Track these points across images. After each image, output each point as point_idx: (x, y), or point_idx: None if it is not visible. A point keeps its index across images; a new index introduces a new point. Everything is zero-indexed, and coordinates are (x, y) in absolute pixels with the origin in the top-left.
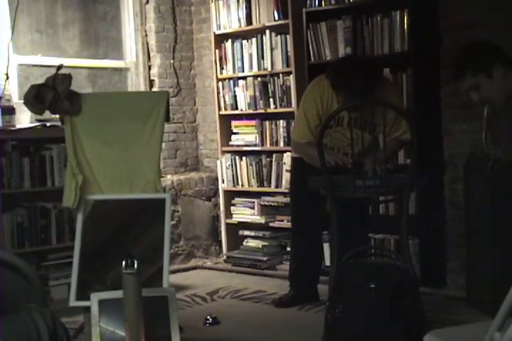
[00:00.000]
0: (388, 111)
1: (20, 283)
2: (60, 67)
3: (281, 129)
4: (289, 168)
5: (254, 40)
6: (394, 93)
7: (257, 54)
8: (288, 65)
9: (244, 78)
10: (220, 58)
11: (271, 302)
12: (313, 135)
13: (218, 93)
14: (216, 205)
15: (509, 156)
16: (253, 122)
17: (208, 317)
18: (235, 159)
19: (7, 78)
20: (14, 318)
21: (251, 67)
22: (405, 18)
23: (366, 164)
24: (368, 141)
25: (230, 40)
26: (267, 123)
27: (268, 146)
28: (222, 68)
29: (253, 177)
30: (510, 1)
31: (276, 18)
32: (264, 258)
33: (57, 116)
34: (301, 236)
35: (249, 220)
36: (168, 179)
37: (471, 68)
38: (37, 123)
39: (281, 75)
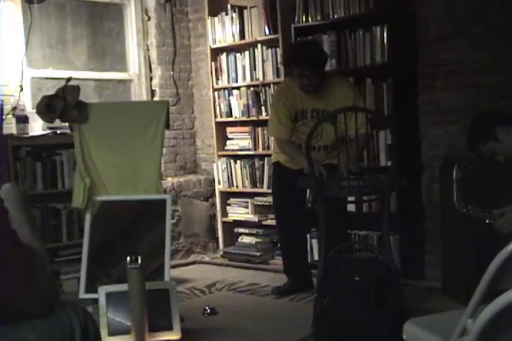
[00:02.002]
0: (341, 101)
1: None
2: (69, 79)
3: None
4: None
5: (247, 53)
6: (350, 86)
7: (250, 66)
8: (278, 76)
9: (238, 88)
10: (216, 70)
11: (270, 292)
12: (287, 129)
13: (214, 102)
14: (213, 205)
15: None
16: (246, 128)
17: (207, 308)
18: (230, 162)
19: (21, 90)
20: (51, 315)
21: (244, 78)
22: (385, 32)
23: (340, 165)
24: (328, 130)
25: (224, 53)
26: (259, 129)
27: (260, 151)
28: (217, 79)
29: (247, 179)
30: (481, 16)
31: (267, 33)
32: (258, 254)
33: (67, 124)
34: (285, 234)
35: (243, 219)
36: (169, 181)
37: (480, 139)
38: (48, 131)
39: (272, 85)
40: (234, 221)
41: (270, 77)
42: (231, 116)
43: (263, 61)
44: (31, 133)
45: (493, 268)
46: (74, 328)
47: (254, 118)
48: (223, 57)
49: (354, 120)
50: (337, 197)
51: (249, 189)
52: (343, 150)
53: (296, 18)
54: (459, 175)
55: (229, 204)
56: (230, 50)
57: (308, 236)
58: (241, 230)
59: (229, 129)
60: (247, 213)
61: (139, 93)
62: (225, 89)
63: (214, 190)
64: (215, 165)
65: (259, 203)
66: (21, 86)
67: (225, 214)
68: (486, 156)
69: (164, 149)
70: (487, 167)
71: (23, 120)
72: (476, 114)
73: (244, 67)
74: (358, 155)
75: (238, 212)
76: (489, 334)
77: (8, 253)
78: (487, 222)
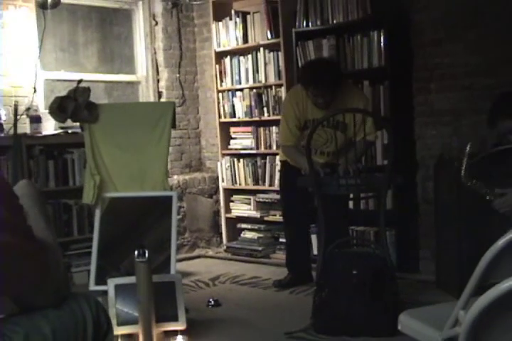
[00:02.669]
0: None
1: None
2: (80, 81)
3: (274, 135)
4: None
5: (249, 56)
6: (360, 97)
7: (253, 68)
8: (280, 78)
9: (241, 90)
10: (220, 72)
11: (271, 285)
12: (294, 137)
13: (218, 103)
14: (217, 202)
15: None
16: (249, 128)
17: (210, 300)
18: (233, 161)
19: (35, 91)
20: (64, 305)
21: (247, 80)
22: (382, 37)
23: (340, 165)
24: (341, 139)
25: (228, 57)
26: (262, 129)
27: (262, 150)
28: (221, 81)
29: (249, 177)
30: (474, 22)
31: (269, 37)
32: (260, 248)
33: (78, 124)
34: (290, 229)
35: (246, 215)
36: (175, 179)
37: (506, 113)
38: (60, 130)
39: (273, 87)
40: (237, 217)
41: (272, 79)
42: (234, 116)
43: (265, 64)
44: (44, 133)
45: (483, 262)
46: (86, 318)
47: (257, 118)
48: (227, 60)
49: (363, 128)
50: (336, 194)
51: (251, 186)
52: (344, 152)
53: (297, 23)
54: (471, 150)
55: (232, 201)
56: (233, 53)
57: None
58: (244, 226)
59: (232, 129)
60: (250, 209)
61: (146, 94)
62: (228, 90)
63: (218, 187)
64: (219, 164)
65: (261, 200)
66: (35, 87)
67: (228, 210)
68: (501, 135)
69: (170, 148)
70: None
71: (36, 120)
72: (501, 94)
73: (247, 70)
74: (357, 158)
75: (241, 208)
76: (480, 325)
77: (24, 248)
78: (487, 198)
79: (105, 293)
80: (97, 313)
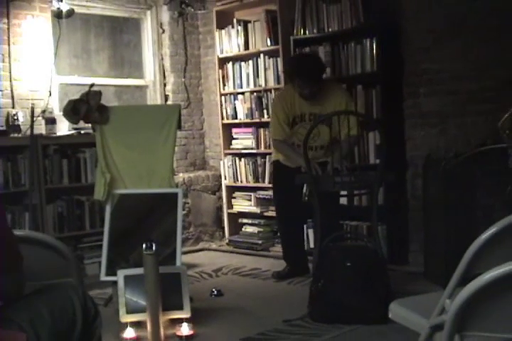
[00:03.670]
0: (336, 105)
1: (59, 260)
2: (92, 85)
3: None
4: None
5: (250, 62)
6: (343, 92)
7: (253, 73)
8: (279, 83)
9: (242, 93)
10: (223, 77)
11: (271, 276)
12: (285, 132)
13: (221, 105)
14: (220, 198)
15: None
16: (250, 129)
17: (214, 290)
18: (235, 160)
19: (50, 95)
20: (54, 294)
21: (248, 84)
22: (374, 44)
23: (329, 164)
24: (324, 132)
25: (231, 62)
26: (262, 130)
27: (262, 149)
28: (224, 85)
29: (250, 175)
30: (459, 31)
31: (269, 44)
32: (260, 242)
33: (90, 125)
34: (284, 224)
35: (247, 210)
36: (180, 176)
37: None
38: (73, 131)
39: (273, 91)
40: (238, 212)
41: (271, 83)
42: (236, 118)
43: (265, 69)
44: (58, 133)
45: (468, 255)
46: (74, 303)
47: (257, 120)
48: (229, 65)
49: (347, 122)
50: (331, 191)
51: (252, 184)
52: (334, 150)
53: (295, 31)
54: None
55: (234, 197)
56: (235, 59)
57: (305, 226)
58: (245, 220)
59: (234, 130)
60: (250, 205)
61: (154, 97)
62: (230, 94)
63: (220, 184)
64: (221, 162)
65: (261, 196)
66: (50, 91)
67: (230, 206)
68: None
69: (176, 148)
70: None
71: (51, 121)
72: None
73: (248, 75)
74: (345, 155)
75: (242, 204)
76: (464, 313)
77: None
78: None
79: (115, 283)
80: (84, 299)
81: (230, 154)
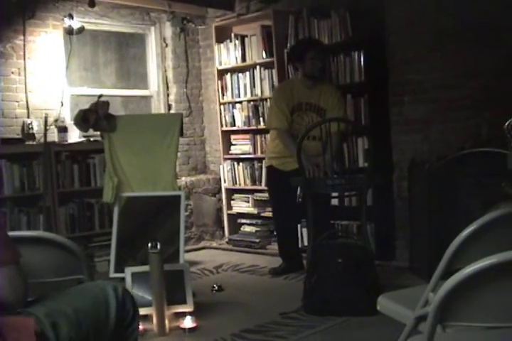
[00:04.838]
0: (329, 98)
1: (71, 259)
2: (100, 95)
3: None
4: None
5: (247, 73)
6: (336, 89)
7: (250, 84)
8: None
9: (240, 102)
10: (222, 87)
11: (267, 272)
12: (286, 119)
13: (220, 114)
14: (220, 200)
15: None
16: (247, 136)
17: (215, 286)
18: (233, 164)
19: (62, 105)
20: (85, 292)
21: (245, 94)
22: (362, 57)
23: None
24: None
25: (229, 74)
26: (258, 136)
27: (259, 154)
28: (223, 95)
29: (248, 178)
30: (438, 44)
31: (264, 56)
32: (257, 240)
33: (99, 133)
34: (280, 225)
35: (245, 211)
36: (183, 180)
37: None
38: (83, 139)
39: (268, 100)
40: (237, 213)
41: (267, 93)
42: (234, 125)
43: (261, 80)
44: (70, 141)
45: (450, 251)
46: (109, 303)
47: (254, 127)
48: (228, 76)
49: (328, 102)
50: (323, 193)
51: (250, 186)
52: (325, 151)
53: (289, 45)
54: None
55: (233, 199)
56: (233, 70)
57: (299, 225)
58: (243, 221)
59: (233, 137)
60: (248, 206)
61: (157, 107)
62: (229, 103)
63: (220, 187)
64: (221, 167)
65: (258, 198)
66: (62, 102)
67: (229, 207)
68: None
69: (179, 153)
70: None
71: (63, 130)
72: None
73: (245, 85)
74: (336, 152)
75: (241, 205)
76: (446, 305)
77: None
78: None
79: (123, 279)
80: (122, 301)
81: (229, 159)
